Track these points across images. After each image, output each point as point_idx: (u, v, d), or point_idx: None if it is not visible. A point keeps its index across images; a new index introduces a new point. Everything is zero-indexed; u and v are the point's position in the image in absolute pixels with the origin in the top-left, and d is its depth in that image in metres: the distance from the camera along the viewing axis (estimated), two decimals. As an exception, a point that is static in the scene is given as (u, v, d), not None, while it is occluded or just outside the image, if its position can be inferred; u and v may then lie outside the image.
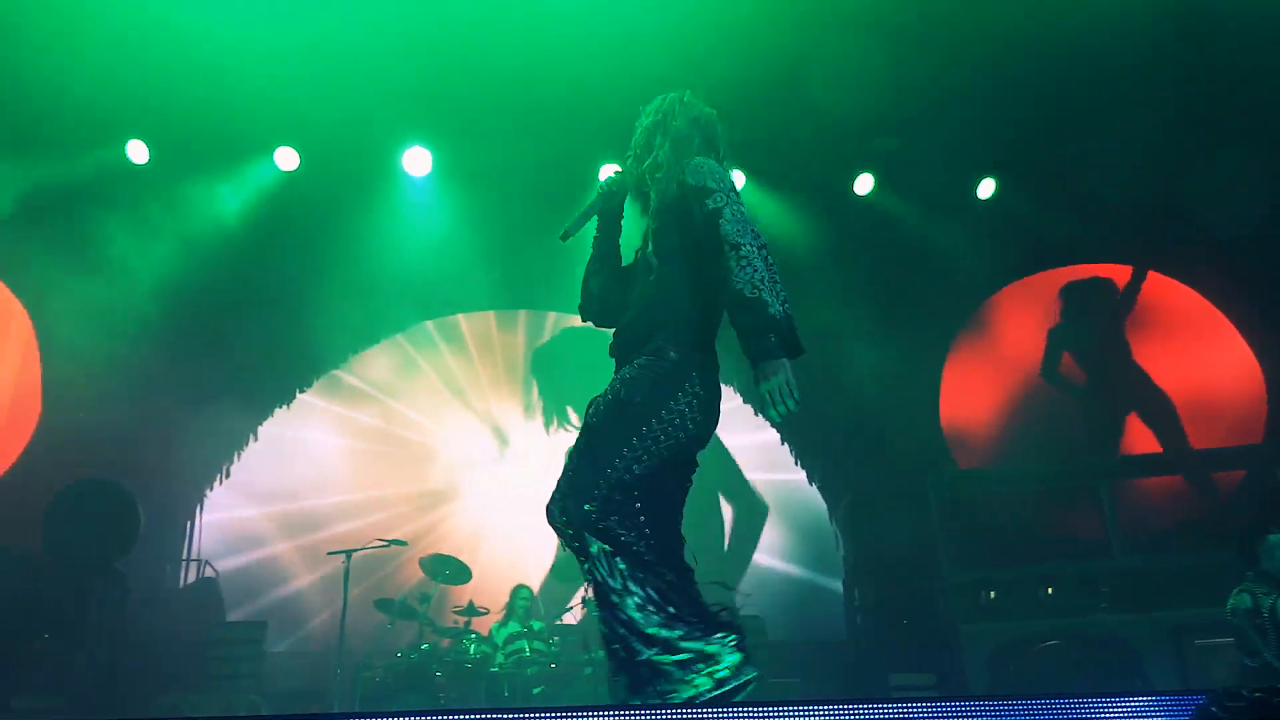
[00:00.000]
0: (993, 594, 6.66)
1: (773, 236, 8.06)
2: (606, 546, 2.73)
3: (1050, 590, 6.64)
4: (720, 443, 8.43)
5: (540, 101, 6.91)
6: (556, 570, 7.59)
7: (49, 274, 7.37)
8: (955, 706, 2.22)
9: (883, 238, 8.25)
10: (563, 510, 2.77)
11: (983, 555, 7.00)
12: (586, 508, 2.74)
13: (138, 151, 7.33)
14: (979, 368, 8.53)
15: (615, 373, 2.94)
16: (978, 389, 8.49)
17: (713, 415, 2.86)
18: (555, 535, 2.86)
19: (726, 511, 8.45)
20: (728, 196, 2.77)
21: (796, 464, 8.49)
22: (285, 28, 6.21)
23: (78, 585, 6.50)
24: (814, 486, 8.43)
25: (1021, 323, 8.63)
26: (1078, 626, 6.44)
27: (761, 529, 8.48)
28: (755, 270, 2.62)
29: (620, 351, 2.97)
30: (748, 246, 2.66)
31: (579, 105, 6.83)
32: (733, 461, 8.56)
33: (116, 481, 6.98)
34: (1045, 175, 8.03)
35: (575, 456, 2.83)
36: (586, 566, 2.77)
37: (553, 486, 2.85)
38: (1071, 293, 8.64)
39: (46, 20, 6.09)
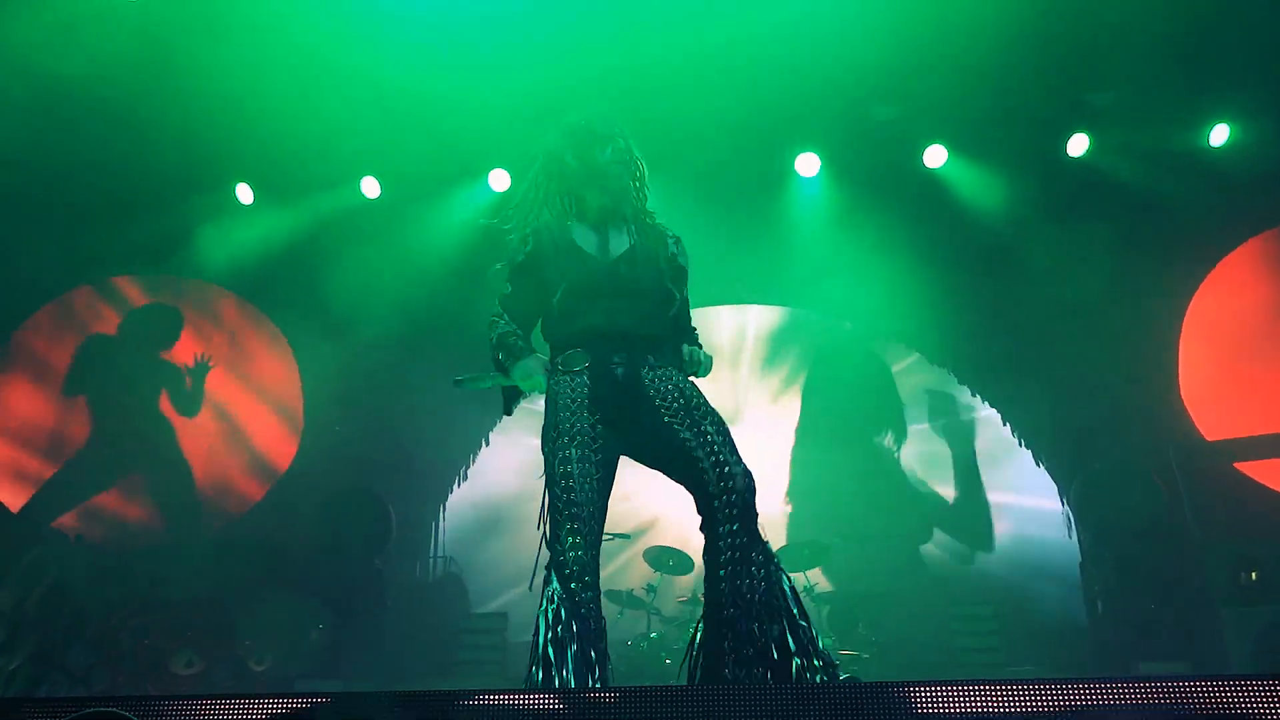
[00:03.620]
0: (1254, 574, 6.14)
1: (982, 211, 7.84)
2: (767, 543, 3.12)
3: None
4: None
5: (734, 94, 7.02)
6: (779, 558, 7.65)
7: (304, 306, 8.30)
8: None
9: (1100, 199, 7.78)
10: (747, 487, 3.07)
11: (1239, 532, 6.48)
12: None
13: (370, 187, 8.09)
14: (1222, 330, 7.82)
15: (613, 353, 3.21)
16: (1222, 354, 7.79)
17: None
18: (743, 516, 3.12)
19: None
20: None
21: (1021, 445, 8.12)
22: (486, 65, 6.66)
23: (346, 580, 7.26)
24: (1040, 467, 8.03)
25: (1270, 279, 7.84)
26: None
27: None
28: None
29: (629, 343, 3.23)
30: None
31: (775, 97, 6.90)
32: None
33: (370, 487, 7.75)
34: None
35: (726, 446, 3.10)
36: (759, 562, 3.10)
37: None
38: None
39: (289, 77, 6.78)
